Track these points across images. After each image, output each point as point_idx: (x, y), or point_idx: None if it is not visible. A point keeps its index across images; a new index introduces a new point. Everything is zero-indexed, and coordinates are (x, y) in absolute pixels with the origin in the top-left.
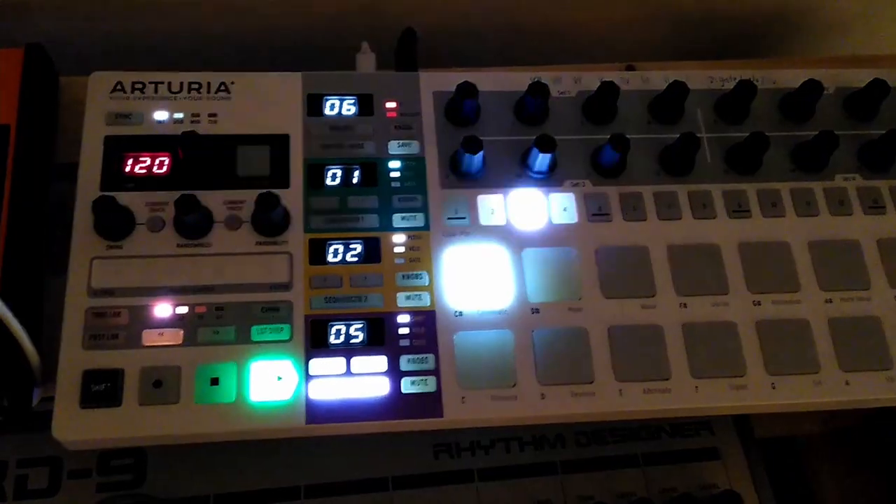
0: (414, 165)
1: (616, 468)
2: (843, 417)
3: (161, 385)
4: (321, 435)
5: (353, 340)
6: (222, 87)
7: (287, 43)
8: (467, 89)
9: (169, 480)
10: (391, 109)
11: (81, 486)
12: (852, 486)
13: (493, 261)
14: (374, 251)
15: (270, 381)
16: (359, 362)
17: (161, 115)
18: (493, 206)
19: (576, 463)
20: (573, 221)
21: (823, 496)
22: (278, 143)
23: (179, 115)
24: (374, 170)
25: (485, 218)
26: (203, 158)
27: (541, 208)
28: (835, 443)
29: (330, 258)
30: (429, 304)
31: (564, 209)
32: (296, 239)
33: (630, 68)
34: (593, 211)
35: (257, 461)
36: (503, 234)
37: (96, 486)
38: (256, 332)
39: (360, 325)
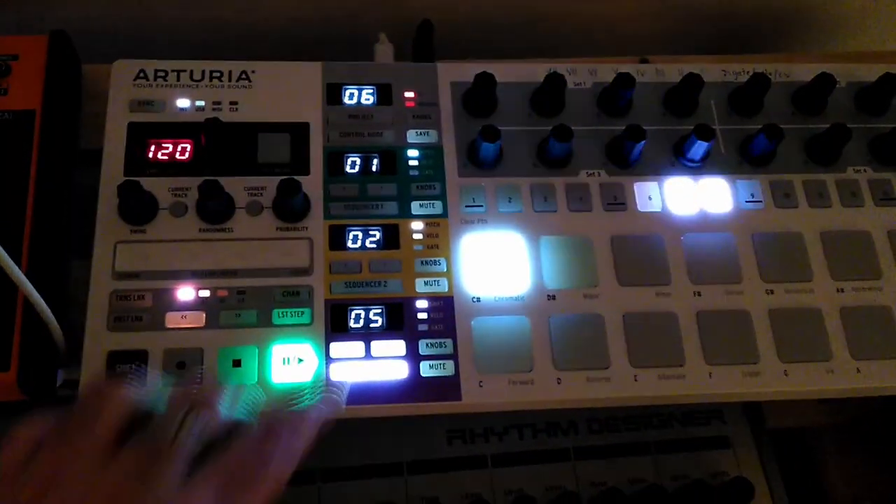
0: (432, 154)
1: (628, 455)
2: (853, 409)
3: (185, 366)
4: (340, 418)
5: (372, 325)
6: (243, 76)
7: (306, 34)
8: (486, 79)
9: None
10: (409, 99)
11: None
12: (862, 477)
13: (510, 248)
14: (393, 238)
15: (292, 364)
16: (378, 346)
17: (183, 103)
18: (510, 195)
19: (588, 449)
20: (589, 210)
21: (833, 487)
22: (298, 131)
23: (201, 103)
24: (392, 158)
25: (502, 206)
26: (225, 145)
27: (560, 197)
28: (845, 434)
29: (350, 244)
30: (447, 289)
31: (580, 198)
32: (316, 225)
33: (644, 62)
34: (609, 201)
35: None
36: (520, 221)
37: None
38: (277, 316)
39: (380, 310)
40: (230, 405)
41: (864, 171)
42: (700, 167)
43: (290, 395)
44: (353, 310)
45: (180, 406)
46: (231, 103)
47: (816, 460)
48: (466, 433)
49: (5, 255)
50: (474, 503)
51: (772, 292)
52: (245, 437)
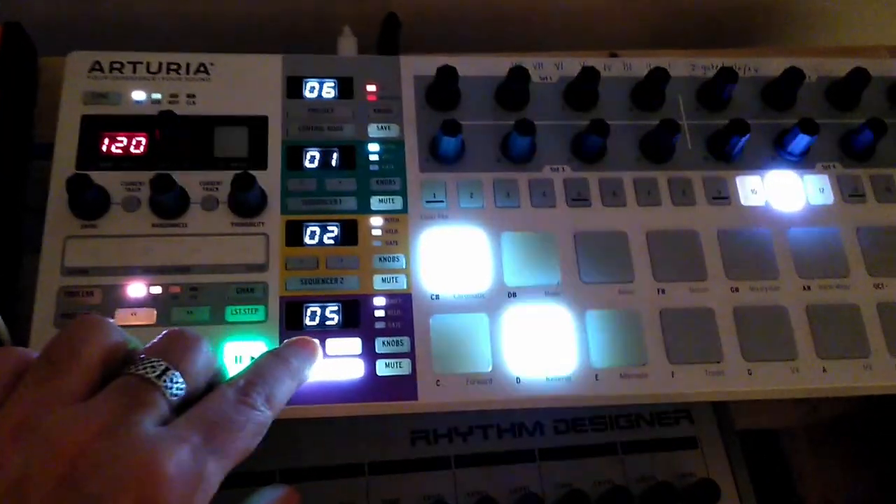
0: (393, 149)
1: (594, 456)
2: (824, 409)
3: None
4: (295, 417)
5: (328, 322)
6: (201, 68)
7: (269, 26)
8: (448, 72)
9: None
10: (371, 93)
11: None
12: (833, 478)
13: (471, 244)
14: (351, 233)
15: (244, 362)
16: (333, 344)
17: (139, 96)
18: (472, 190)
19: (554, 451)
20: (553, 206)
21: (804, 488)
22: (256, 125)
23: (157, 96)
24: (352, 153)
25: (464, 201)
26: (180, 139)
27: (524, 192)
28: (817, 435)
29: (307, 240)
30: (405, 286)
31: (544, 194)
32: (272, 220)
33: (613, 56)
34: (573, 196)
35: None
36: (482, 217)
37: None
38: (231, 313)
39: (336, 308)
40: (211, 356)
41: (834, 166)
42: (668, 163)
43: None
44: (308, 307)
45: (162, 351)
46: (188, 96)
47: (788, 461)
48: (430, 433)
49: None
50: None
51: (737, 290)
52: (226, 386)
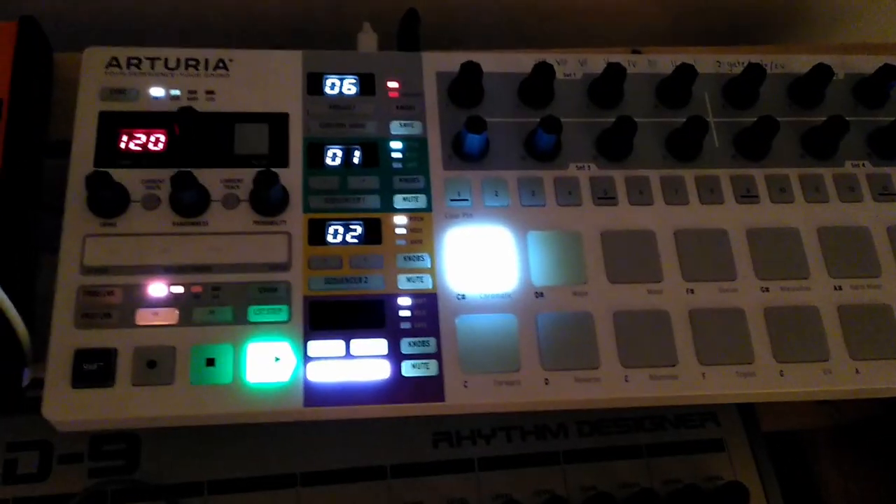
0: (416, 146)
1: (619, 459)
2: (849, 412)
3: (155, 365)
4: (319, 419)
5: (352, 322)
6: (220, 64)
7: (287, 23)
8: (472, 68)
9: (162, 466)
10: (393, 89)
11: (73, 471)
12: (857, 481)
13: (496, 243)
14: (374, 232)
15: (268, 363)
16: (358, 345)
17: (157, 92)
18: (496, 189)
19: (578, 453)
20: (579, 205)
21: (828, 491)
22: (277, 122)
23: (176, 92)
24: (375, 150)
25: (488, 200)
26: (200, 136)
27: (549, 191)
28: (840, 438)
29: (330, 238)
30: (431, 286)
31: (570, 192)
32: (294, 219)
33: (636, 53)
34: (599, 195)
35: (253, 448)
36: (507, 216)
37: (88, 472)
38: (254, 313)
39: (360, 307)
40: None
41: (863, 165)
42: (695, 161)
43: None
44: (332, 306)
45: None
46: (207, 92)
47: (812, 464)
48: (453, 435)
49: None
50: None
51: (767, 290)
52: None
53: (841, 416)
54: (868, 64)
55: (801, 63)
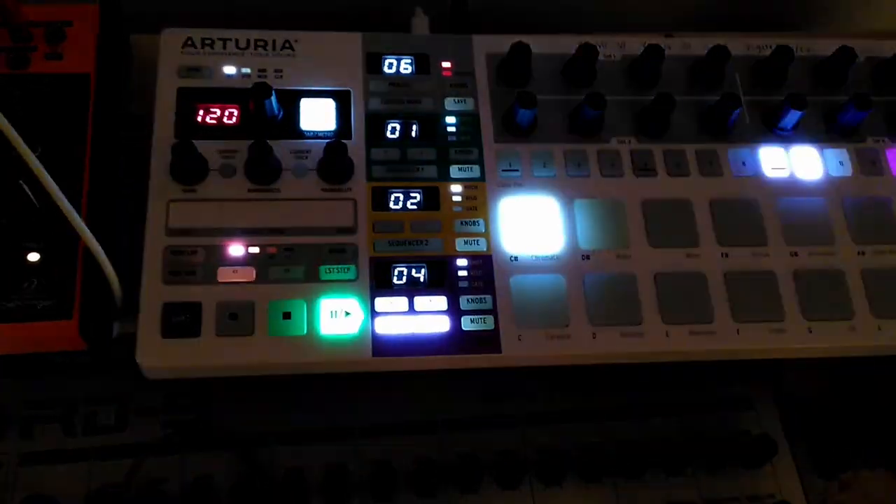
0: (469, 121)
1: (654, 417)
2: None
3: (237, 318)
4: (386, 369)
5: (415, 281)
6: (287, 45)
7: (345, 5)
8: (521, 49)
9: (231, 420)
10: (446, 69)
11: (148, 423)
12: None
13: (545, 210)
14: (433, 199)
15: (339, 317)
16: (421, 301)
17: (230, 70)
18: (544, 160)
19: (616, 410)
20: (621, 176)
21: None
22: (341, 98)
23: (247, 70)
24: (431, 124)
25: (537, 171)
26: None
27: (593, 163)
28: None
29: (391, 205)
30: (485, 249)
31: (612, 164)
32: (359, 186)
33: (669, 37)
34: (640, 167)
35: (314, 404)
36: (554, 185)
37: (162, 423)
38: (324, 272)
39: (422, 268)
40: None
41: (883, 140)
42: (728, 136)
43: None
44: (396, 267)
45: None
46: (276, 70)
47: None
48: (499, 394)
49: (68, 204)
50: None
51: (796, 254)
52: None
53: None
54: (888, 48)
55: (825, 47)
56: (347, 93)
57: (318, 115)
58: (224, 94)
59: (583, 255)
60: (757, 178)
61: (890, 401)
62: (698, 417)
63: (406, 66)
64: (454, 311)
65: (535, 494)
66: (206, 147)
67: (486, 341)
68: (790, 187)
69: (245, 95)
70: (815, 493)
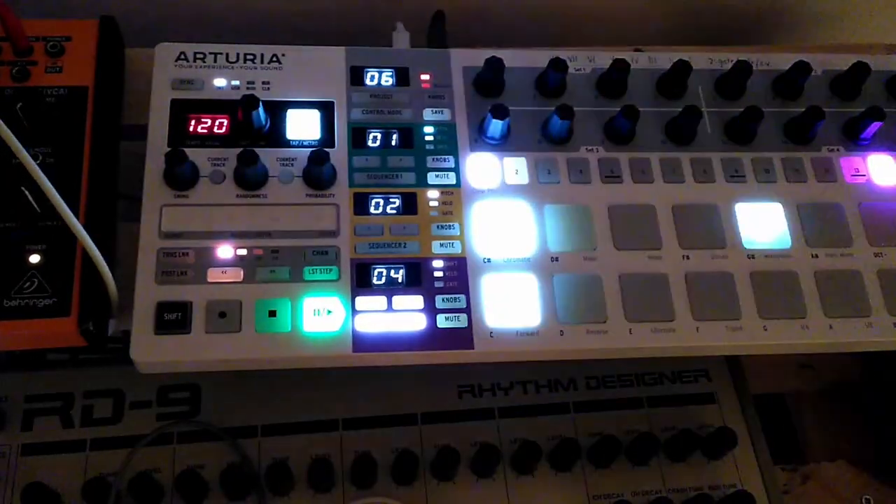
0: (446, 130)
1: (623, 409)
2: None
3: (225, 316)
4: (365, 364)
5: (393, 281)
6: (274, 59)
7: (329, 23)
8: (495, 63)
9: (220, 412)
10: (425, 81)
11: (142, 416)
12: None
13: (517, 215)
14: (411, 204)
15: (321, 315)
16: (399, 300)
17: (220, 82)
18: (516, 167)
19: (586, 404)
20: (589, 182)
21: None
22: (325, 109)
23: (237, 83)
24: (410, 134)
25: (509, 178)
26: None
27: (563, 170)
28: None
29: (372, 210)
30: (460, 251)
31: (580, 171)
32: (341, 192)
33: (637, 51)
34: (606, 174)
35: (300, 396)
36: (526, 192)
37: (156, 416)
38: (308, 272)
39: (400, 268)
40: None
41: (837, 150)
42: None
43: None
44: (375, 268)
45: None
46: (263, 83)
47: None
48: (475, 388)
49: (67, 209)
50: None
51: (752, 257)
52: None
53: (820, 380)
54: (843, 61)
55: (783, 61)
56: (331, 104)
57: (303, 124)
58: (215, 105)
59: (552, 257)
60: (714, 185)
61: (853, 394)
62: (663, 411)
63: (387, 79)
64: (430, 310)
65: (509, 483)
66: (197, 155)
67: (459, 338)
68: (745, 192)
69: (234, 106)
70: (778, 484)
